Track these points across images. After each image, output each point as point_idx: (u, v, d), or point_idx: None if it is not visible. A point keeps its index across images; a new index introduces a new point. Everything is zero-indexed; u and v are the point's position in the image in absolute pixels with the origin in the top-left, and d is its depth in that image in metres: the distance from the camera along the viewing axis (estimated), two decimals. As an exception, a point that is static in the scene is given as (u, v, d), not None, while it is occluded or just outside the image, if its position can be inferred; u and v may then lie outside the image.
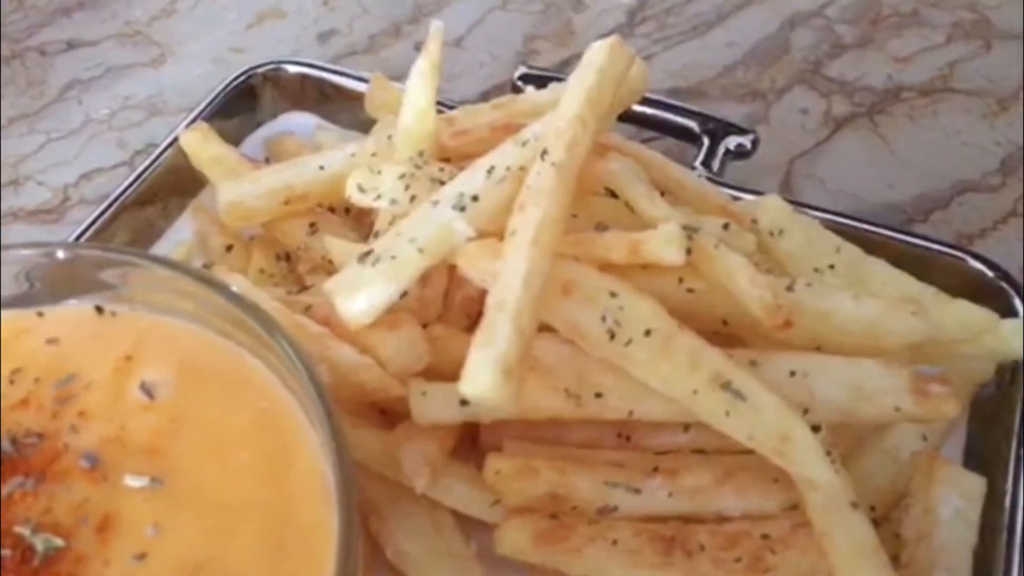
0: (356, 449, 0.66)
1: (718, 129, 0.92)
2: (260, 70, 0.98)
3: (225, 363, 0.60)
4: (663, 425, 0.65)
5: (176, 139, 0.89)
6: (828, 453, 0.59)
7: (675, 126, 0.93)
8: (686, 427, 0.65)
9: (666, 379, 0.59)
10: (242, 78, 0.97)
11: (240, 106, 0.97)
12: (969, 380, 0.73)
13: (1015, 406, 0.73)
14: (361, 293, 0.64)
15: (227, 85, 0.96)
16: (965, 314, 0.69)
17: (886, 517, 0.67)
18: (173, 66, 1.18)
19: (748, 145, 0.92)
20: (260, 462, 0.55)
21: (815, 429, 0.58)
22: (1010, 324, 0.70)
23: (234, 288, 0.69)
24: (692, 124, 0.93)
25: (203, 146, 0.85)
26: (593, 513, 0.63)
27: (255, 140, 0.97)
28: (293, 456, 0.55)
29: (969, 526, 0.63)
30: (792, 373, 0.61)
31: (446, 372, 0.63)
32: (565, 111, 0.66)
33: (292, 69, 0.98)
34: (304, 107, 0.99)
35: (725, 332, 0.65)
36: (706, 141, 0.92)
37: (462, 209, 0.66)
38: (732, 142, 0.92)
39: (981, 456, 0.72)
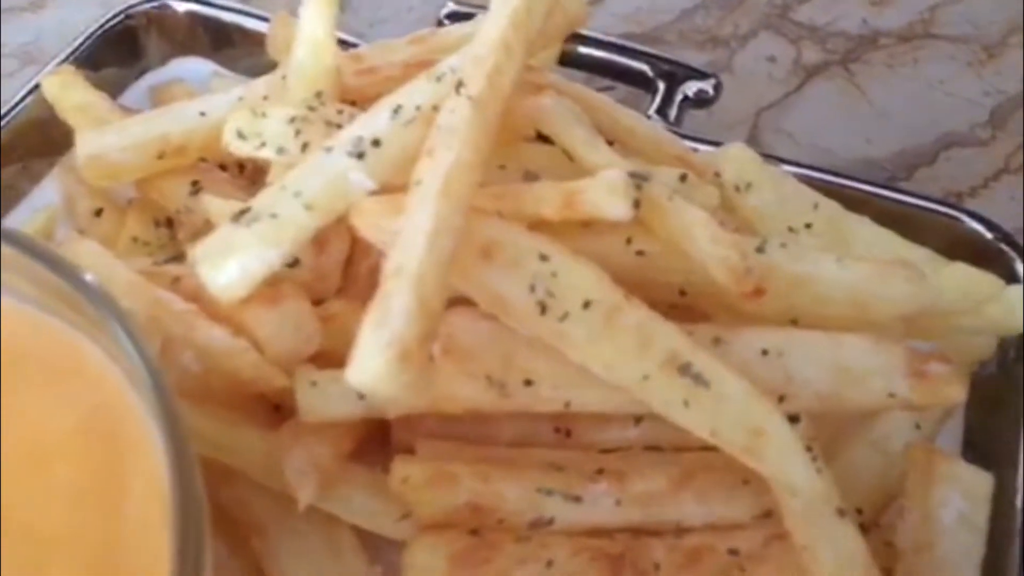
0: (235, 455, 0.55)
1: (675, 73, 0.82)
2: (141, 8, 0.85)
3: (55, 351, 0.48)
4: (610, 418, 0.55)
5: (37, 88, 0.76)
6: (809, 449, 0.49)
7: (625, 70, 0.83)
8: (637, 419, 0.55)
9: (610, 362, 0.49)
10: (119, 18, 0.84)
11: (120, 51, 0.85)
12: (968, 357, 0.64)
13: (1021, 387, 0.64)
14: (232, 260, 0.52)
15: (100, 26, 0.83)
16: (966, 279, 0.60)
17: (875, 522, 0.57)
18: (55, 10, 1.05)
19: (709, 91, 0.82)
20: (87, 477, 0.43)
21: (793, 420, 0.48)
22: (1018, 291, 0.60)
23: (85, 259, 0.59)
24: (645, 68, 0.82)
25: (66, 93, 0.73)
26: (524, 527, 0.52)
27: (139, 89, 0.85)
28: (130, 468, 0.43)
29: (976, 533, 0.54)
30: (764, 352, 0.51)
31: (345, 357, 0.52)
32: (486, 36, 0.55)
33: (180, 7, 0.86)
34: (198, 51, 0.87)
35: (683, 304, 0.55)
36: (661, 87, 0.82)
37: (360, 156, 0.55)
38: (691, 88, 0.82)
39: (983, 447, 0.63)
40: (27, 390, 0.46)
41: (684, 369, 0.48)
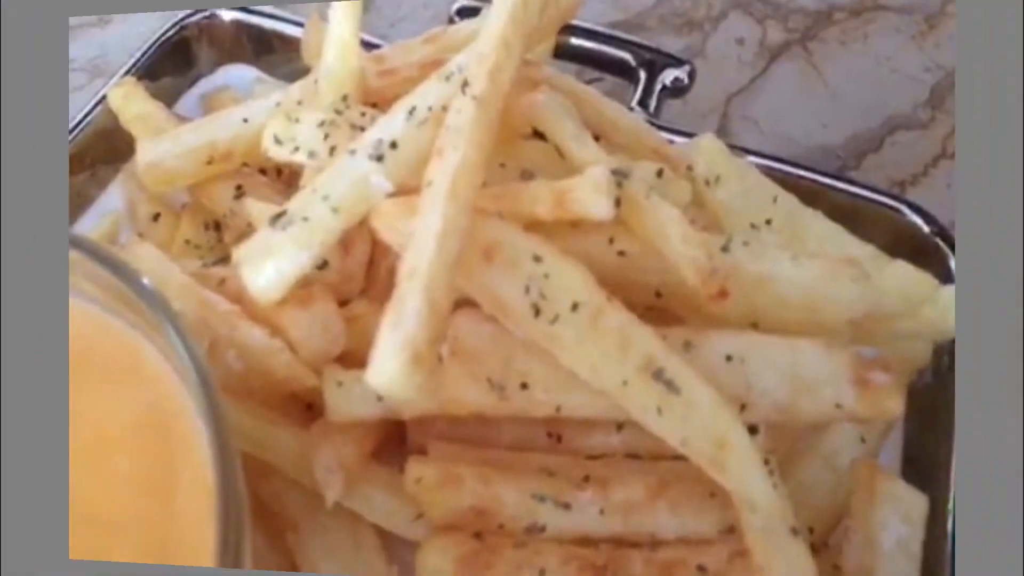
0: (271, 451, 0.50)
1: (655, 61, 0.75)
2: (193, 19, 0.79)
3: (116, 349, 0.45)
4: (595, 424, 0.50)
5: (102, 100, 0.72)
6: (766, 463, 0.44)
7: (610, 59, 0.76)
8: (619, 426, 0.50)
9: (595, 365, 0.44)
10: (174, 29, 0.78)
11: (176, 61, 0.78)
12: (907, 365, 0.56)
13: (952, 399, 0.54)
14: (270, 262, 0.48)
15: (158, 38, 0.78)
16: (905, 279, 0.53)
17: (824, 543, 0.51)
18: (119, 24, 0.97)
19: (685, 79, 0.75)
20: (143, 470, 0.41)
21: (752, 431, 0.44)
22: (951, 292, 0.53)
23: (144, 262, 0.56)
24: (628, 56, 0.76)
25: (128, 104, 0.69)
26: (520, 533, 0.48)
27: (192, 97, 0.79)
28: (180, 463, 0.41)
29: (911, 559, 0.47)
30: (728, 358, 0.46)
31: (368, 357, 0.45)
32: (487, 34, 0.49)
33: (226, 16, 0.80)
34: (243, 59, 0.81)
35: (659, 306, 0.50)
36: (643, 76, 0.75)
37: (380, 159, 0.50)
38: (669, 76, 0.75)
39: (921, 462, 0.55)
40: (92, 387, 0.44)
41: (658, 374, 0.44)
